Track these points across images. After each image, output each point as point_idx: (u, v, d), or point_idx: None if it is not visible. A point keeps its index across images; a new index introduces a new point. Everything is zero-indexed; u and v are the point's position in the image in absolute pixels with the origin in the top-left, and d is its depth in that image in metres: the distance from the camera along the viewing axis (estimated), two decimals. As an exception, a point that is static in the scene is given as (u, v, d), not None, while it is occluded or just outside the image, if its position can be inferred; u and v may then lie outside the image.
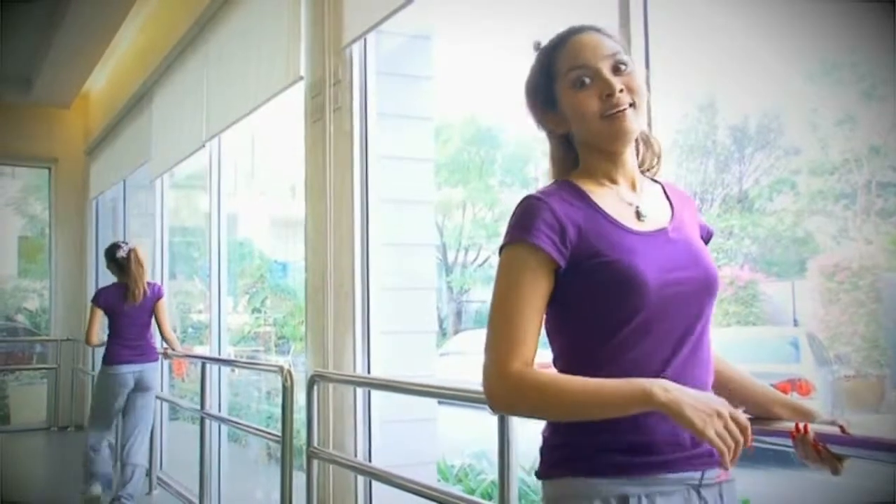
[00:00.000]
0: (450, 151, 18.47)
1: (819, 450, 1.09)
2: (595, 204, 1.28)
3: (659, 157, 1.42)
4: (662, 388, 1.10)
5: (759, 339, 9.31)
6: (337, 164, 3.30)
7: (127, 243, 4.81)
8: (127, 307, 4.63)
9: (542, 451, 1.31)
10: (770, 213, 14.98)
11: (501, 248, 1.27)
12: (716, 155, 16.61)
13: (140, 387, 4.66)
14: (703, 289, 1.26)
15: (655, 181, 1.41)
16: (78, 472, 4.73)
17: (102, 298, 4.73)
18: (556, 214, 1.24)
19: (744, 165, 16.38)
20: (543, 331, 1.28)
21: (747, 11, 14.72)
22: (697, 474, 1.23)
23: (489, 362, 1.22)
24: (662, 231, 1.30)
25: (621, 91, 1.26)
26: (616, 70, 1.28)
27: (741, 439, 1.06)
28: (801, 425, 1.11)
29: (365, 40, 3.22)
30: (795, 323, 11.66)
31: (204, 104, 4.97)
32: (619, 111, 1.26)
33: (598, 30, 1.34)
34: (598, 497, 1.20)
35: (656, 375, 1.17)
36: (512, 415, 1.18)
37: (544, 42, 1.38)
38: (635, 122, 1.28)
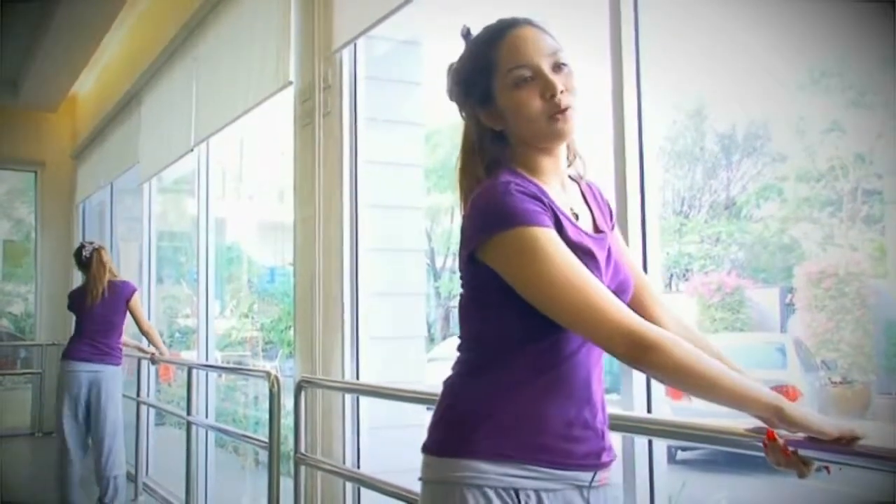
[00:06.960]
0: (439, 157, 18.43)
1: (787, 454, 1.10)
2: (550, 198, 1.26)
3: (579, 157, 1.39)
4: (791, 405, 1.09)
5: (747, 346, 9.35)
6: (326, 169, 3.29)
7: (92, 243, 4.77)
8: (88, 306, 4.57)
9: (438, 424, 1.31)
10: (757, 219, 15.05)
11: (495, 233, 1.20)
12: (703, 161, 16.68)
13: (96, 389, 4.48)
14: (625, 292, 1.31)
15: (572, 179, 1.39)
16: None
17: (70, 299, 4.78)
18: (541, 198, 1.22)
19: (731, 172, 16.45)
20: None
21: (737, 20, 14.80)
22: (587, 475, 1.25)
23: (611, 316, 1.13)
24: (602, 236, 1.32)
25: (562, 92, 1.24)
26: (556, 68, 1.25)
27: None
28: (770, 431, 1.13)
29: (355, 45, 3.21)
30: (782, 329, 11.72)
31: (193, 108, 4.94)
32: (562, 112, 1.24)
33: (534, 24, 1.29)
34: (487, 485, 1.20)
35: (568, 358, 1.23)
36: (657, 364, 1.12)
37: (474, 30, 1.34)
38: (575, 123, 1.26)
